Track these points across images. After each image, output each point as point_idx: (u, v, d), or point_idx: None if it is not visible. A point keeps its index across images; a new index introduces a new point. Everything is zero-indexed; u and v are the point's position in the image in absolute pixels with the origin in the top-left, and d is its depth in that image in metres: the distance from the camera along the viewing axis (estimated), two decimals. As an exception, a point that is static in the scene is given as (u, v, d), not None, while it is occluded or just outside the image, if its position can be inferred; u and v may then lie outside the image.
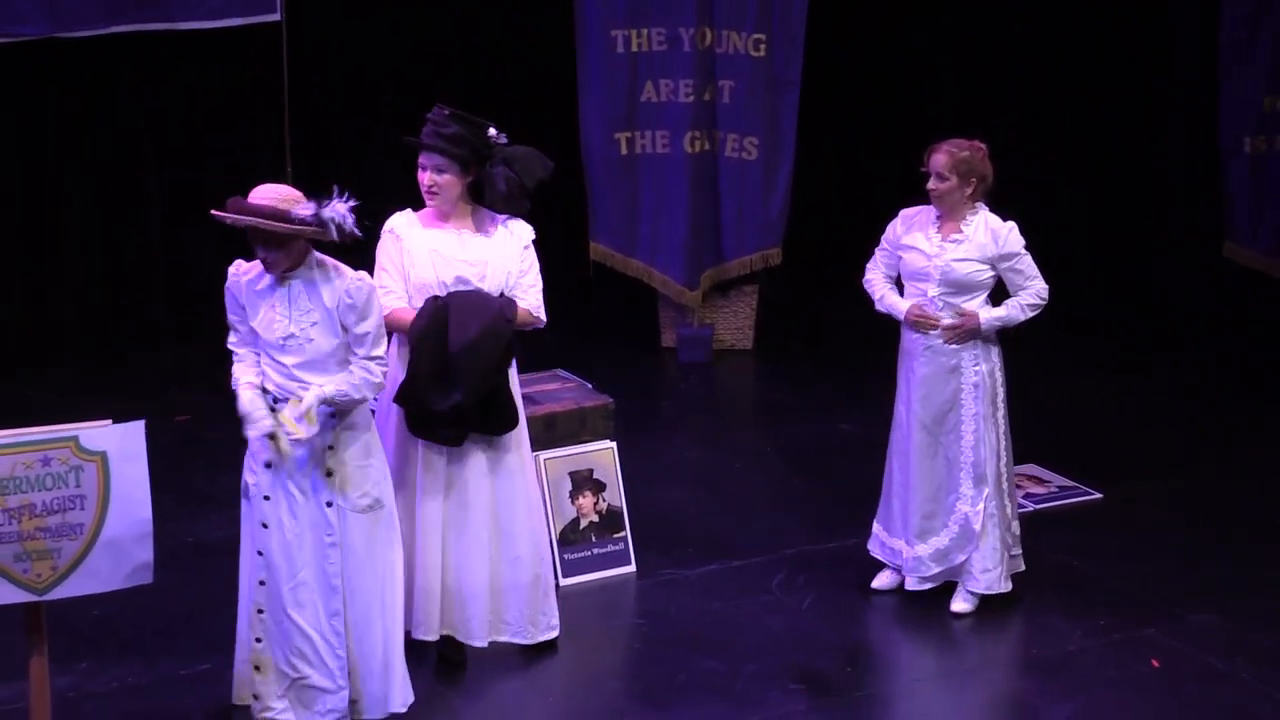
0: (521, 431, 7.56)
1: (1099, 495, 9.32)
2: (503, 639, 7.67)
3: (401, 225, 7.44)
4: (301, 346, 6.88)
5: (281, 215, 6.70)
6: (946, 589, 8.15)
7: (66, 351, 11.03)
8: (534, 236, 7.51)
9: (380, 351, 6.93)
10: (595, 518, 8.44)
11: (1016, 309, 7.90)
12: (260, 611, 7.03)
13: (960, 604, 8.09)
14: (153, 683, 7.45)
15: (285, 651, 7.03)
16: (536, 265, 7.50)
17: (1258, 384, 10.91)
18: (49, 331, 11.06)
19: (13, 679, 7.12)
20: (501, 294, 7.38)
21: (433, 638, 7.55)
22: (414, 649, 7.67)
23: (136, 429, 6.39)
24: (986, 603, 8.11)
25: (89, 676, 7.52)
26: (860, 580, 8.30)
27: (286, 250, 6.81)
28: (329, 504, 6.95)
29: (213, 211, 6.75)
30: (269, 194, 6.75)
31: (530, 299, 7.44)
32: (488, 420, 7.41)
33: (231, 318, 6.99)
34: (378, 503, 7.02)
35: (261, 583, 7.00)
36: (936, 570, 8.11)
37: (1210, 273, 11.92)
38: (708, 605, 8.22)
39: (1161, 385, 10.91)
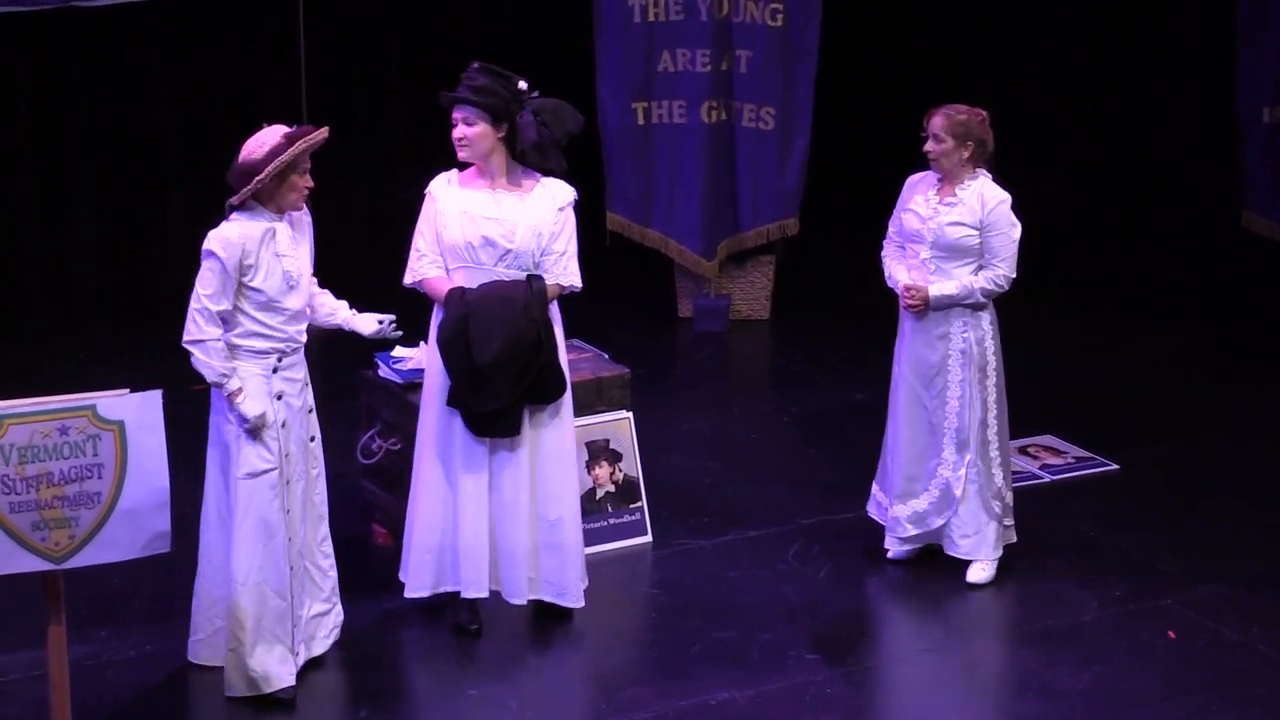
0: (565, 396, 7.59)
1: (1115, 466, 9.31)
2: (544, 598, 7.68)
3: (439, 187, 7.48)
4: (301, 282, 7.07)
5: None
6: (960, 561, 8.15)
7: (84, 320, 11.05)
8: (574, 198, 7.52)
9: None
10: (611, 488, 8.45)
11: (966, 290, 7.88)
12: (290, 568, 7.11)
13: (976, 574, 8.10)
14: (171, 651, 7.47)
15: (297, 593, 7.20)
16: (571, 230, 7.50)
17: (1272, 353, 10.87)
18: (67, 300, 11.08)
19: (31, 648, 7.15)
20: (529, 276, 7.38)
21: (484, 594, 7.58)
22: (432, 612, 7.70)
23: (154, 398, 6.40)
24: (1003, 574, 8.12)
25: (108, 645, 7.55)
26: (876, 550, 8.30)
27: None
28: (312, 439, 7.22)
29: (297, 136, 6.96)
30: (275, 131, 7.03)
31: (559, 269, 7.45)
32: (534, 393, 7.45)
33: (220, 291, 6.90)
34: None
35: (289, 539, 7.09)
36: (913, 532, 8.14)
37: (1225, 243, 11.88)
38: (724, 575, 8.23)
39: (1175, 355, 10.89)
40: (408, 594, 7.62)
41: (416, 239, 7.46)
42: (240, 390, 6.96)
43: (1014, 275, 7.94)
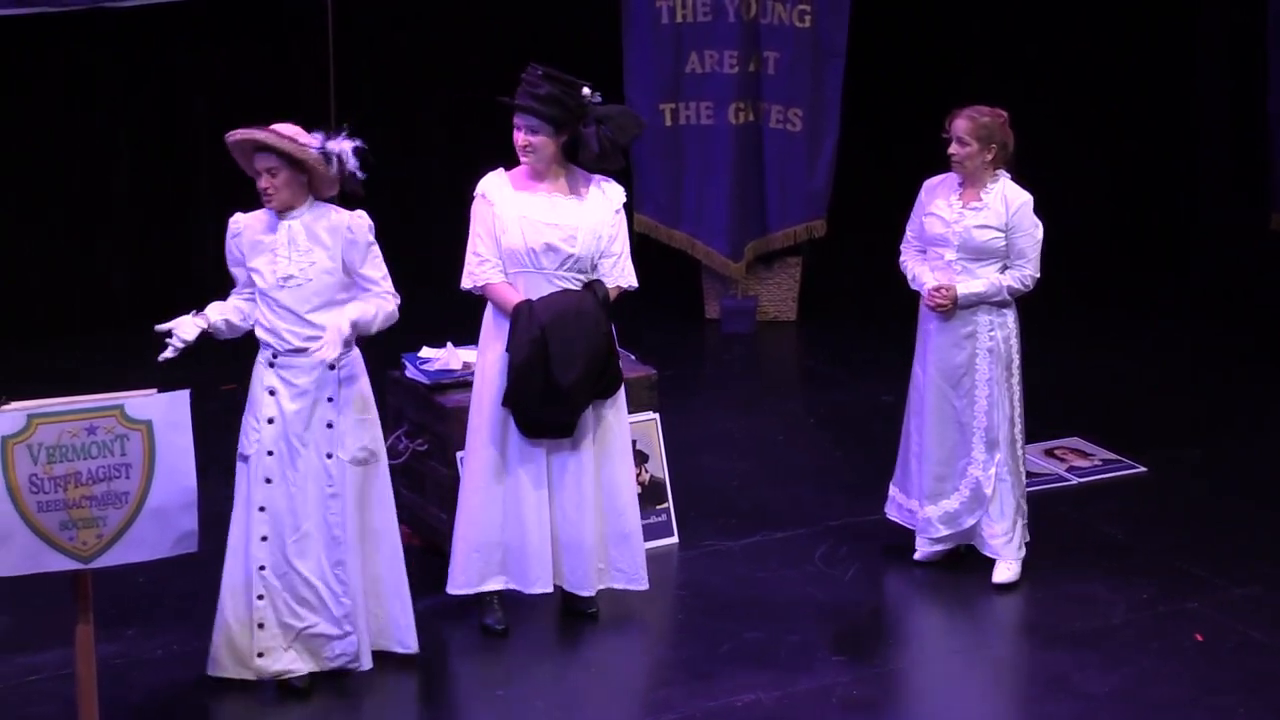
0: (621, 388, 7.63)
1: (1143, 469, 9.29)
2: (615, 586, 7.71)
3: (492, 189, 7.45)
4: (301, 287, 7.06)
5: (290, 139, 6.97)
6: (987, 562, 8.13)
7: (114, 320, 11.08)
8: (625, 199, 7.55)
9: (389, 285, 7.18)
10: (638, 489, 8.43)
11: (995, 288, 7.91)
12: (262, 568, 7.13)
13: (1003, 574, 8.09)
14: (199, 650, 7.46)
15: (290, 603, 7.16)
16: (625, 230, 7.56)
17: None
18: (97, 299, 11.12)
19: (59, 646, 7.16)
20: (591, 284, 7.40)
21: (549, 589, 7.60)
22: (461, 612, 7.70)
23: (182, 398, 6.42)
24: (1030, 576, 8.10)
25: (135, 644, 7.57)
26: (902, 551, 8.29)
27: (287, 180, 7.02)
28: (329, 456, 7.13)
29: (228, 135, 6.99)
30: (281, 127, 7.03)
31: (618, 271, 7.49)
32: (596, 388, 7.47)
33: (234, 270, 7.18)
34: (373, 455, 7.23)
35: (264, 538, 7.11)
36: (945, 532, 8.14)
37: (1253, 244, 11.84)
38: (751, 576, 8.23)
39: (1205, 356, 10.86)
40: (451, 590, 7.60)
41: (474, 242, 7.44)
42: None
43: (1039, 275, 7.94)
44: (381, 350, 8.35)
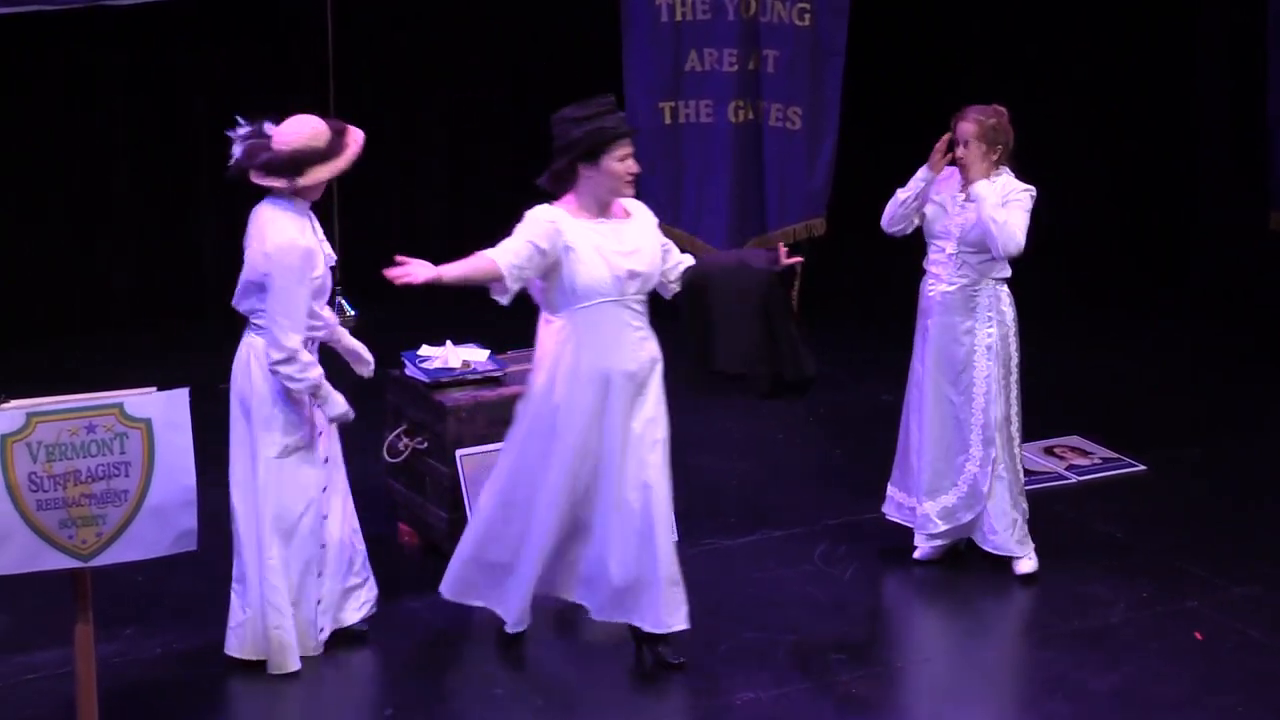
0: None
1: (1143, 467, 9.29)
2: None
3: (562, 219, 7.20)
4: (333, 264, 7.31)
5: None
6: (987, 561, 8.13)
7: (115, 319, 11.09)
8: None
9: None
10: (638, 487, 8.42)
11: (998, 212, 7.78)
12: (323, 545, 7.29)
13: (1026, 566, 8.11)
14: (198, 648, 7.49)
15: (337, 569, 7.35)
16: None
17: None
18: (97, 299, 11.12)
19: (58, 645, 7.17)
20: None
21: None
22: (459, 611, 7.71)
23: (180, 396, 6.42)
24: (1030, 574, 8.11)
25: (134, 643, 7.57)
26: (901, 550, 8.29)
27: None
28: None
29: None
30: (314, 121, 7.14)
31: (677, 256, 7.52)
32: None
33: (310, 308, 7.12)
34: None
35: (324, 517, 7.29)
36: (943, 528, 8.16)
37: (1252, 244, 11.85)
38: (750, 575, 8.23)
39: (1203, 357, 10.87)
40: (511, 629, 7.48)
41: (518, 238, 7.13)
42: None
43: (1023, 245, 7.84)
44: (381, 348, 8.35)
